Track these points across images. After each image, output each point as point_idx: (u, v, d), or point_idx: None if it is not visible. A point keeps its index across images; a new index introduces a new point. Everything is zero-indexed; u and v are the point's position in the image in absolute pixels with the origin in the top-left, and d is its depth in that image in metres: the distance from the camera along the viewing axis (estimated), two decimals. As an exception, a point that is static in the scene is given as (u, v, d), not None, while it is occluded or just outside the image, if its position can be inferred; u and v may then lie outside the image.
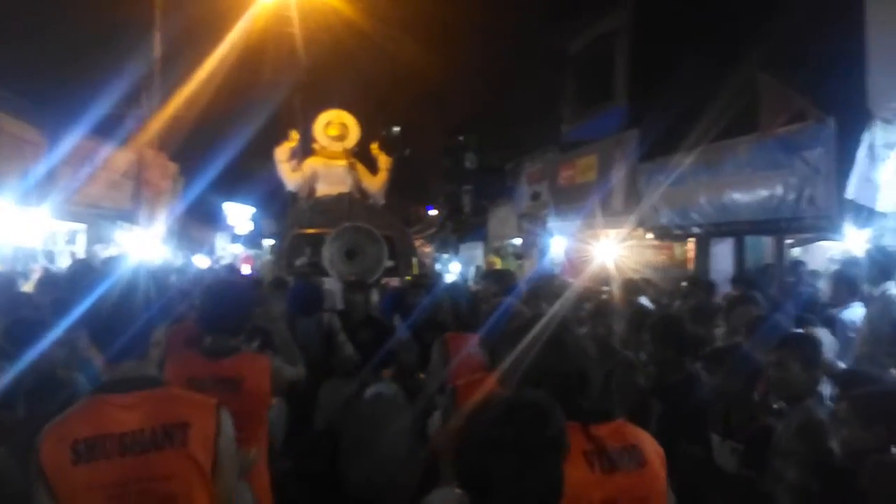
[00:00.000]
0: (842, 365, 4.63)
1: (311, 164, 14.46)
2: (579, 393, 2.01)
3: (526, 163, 17.03)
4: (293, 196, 15.15)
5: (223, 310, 3.12)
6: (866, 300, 5.70)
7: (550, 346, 2.10)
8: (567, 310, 5.25)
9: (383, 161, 15.05)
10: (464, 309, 5.16)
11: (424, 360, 4.70)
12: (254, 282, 6.60)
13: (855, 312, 5.45)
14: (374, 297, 8.06)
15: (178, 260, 14.69)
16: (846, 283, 5.83)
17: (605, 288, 8.57)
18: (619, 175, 11.51)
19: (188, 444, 2.03)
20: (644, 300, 7.13)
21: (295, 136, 14.83)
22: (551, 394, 1.75)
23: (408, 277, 11.52)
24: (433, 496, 1.98)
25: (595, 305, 5.66)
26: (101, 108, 12.97)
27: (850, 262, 7.17)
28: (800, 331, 4.03)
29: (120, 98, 14.50)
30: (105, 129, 13.08)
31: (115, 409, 2.03)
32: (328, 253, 10.61)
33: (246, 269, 15.76)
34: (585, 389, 2.04)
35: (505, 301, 3.57)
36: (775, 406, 3.44)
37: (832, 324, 5.59)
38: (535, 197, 16.18)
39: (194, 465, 2.03)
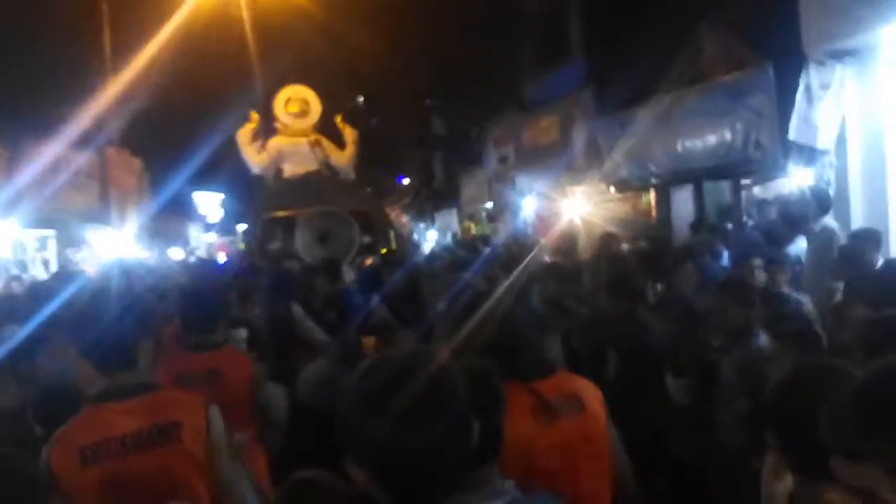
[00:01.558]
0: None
1: (275, 144, 14.02)
2: (520, 356, 2.23)
3: (491, 126, 17.20)
4: (260, 179, 14.81)
5: (197, 311, 3.33)
6: (809, 235, 6.07)
7: (499, 325, 2.24)
8: (524, 278, 5.52)
9: (349, 134, 14.61)
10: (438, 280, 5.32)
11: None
12: (228, 278, 6.67)
13: (799, 247, 5.79)
14: (350, 276, 8.21)
15: (152, 257, 14.73)
16: (788, 220, 6.16)
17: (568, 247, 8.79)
18: (579, 133, 11.76)
19: (182, 439, 2.26)
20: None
21: (255, 116, 14.30)
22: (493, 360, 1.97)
23: (383, 251, 11.71)
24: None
25: (549, 267, 5.91)
26: (57, 111, 12.90)
27: (792, 200, 7.53)
28: (736, 275, 4.30)
29: (75, 99, 14.29)
30: (64, 133, 13.02)
31: (114, 414, 2.24)
32: (300, 239, 10.72)
33: (222, 258, 15.85)
34: (526, 352, 2.26)
35: (461, 278, 3.76)
36: (716, 344, 3.74)
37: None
38: (503, 160, 16.39)
39: (190, 458, 2.26)
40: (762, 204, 9.46)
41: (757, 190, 10.66)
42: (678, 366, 3.87)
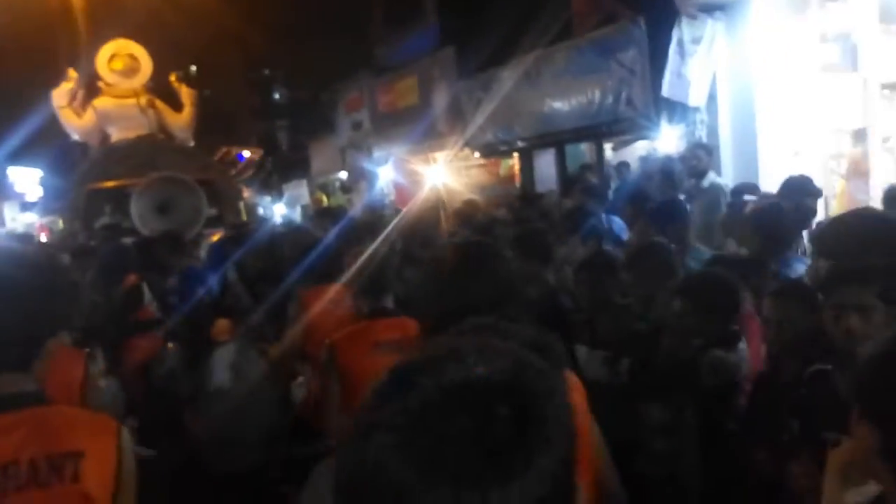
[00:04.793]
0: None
1: (99, 106, 12.11)
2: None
3: (342, 91, 16.40)
4: (82, 147, 12.93)
5: None
6: (688, 193, 6.00)
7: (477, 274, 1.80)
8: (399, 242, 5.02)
9: (186, 94, 12.85)
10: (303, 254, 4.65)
11: (269, 317, 4.26)
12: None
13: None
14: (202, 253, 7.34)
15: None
16: (669, 179, 6.04)
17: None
18: (440, 95, 11.31)
19: (80, 478, 1.57)
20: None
21: (73, 74, 12.29)
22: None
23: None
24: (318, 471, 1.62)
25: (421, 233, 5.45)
26: None
27: (669, 159, 7.51)
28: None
29: None
30: None
31: None
32: (136, 209, 9.42)
33: (43, 239, 14.07)
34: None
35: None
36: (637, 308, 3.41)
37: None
38: (357, 126, 15.69)
39: None
40: (620, 166, 9.50)
41: (610, 154, 10.75)
42: (594, 335, 3.51)
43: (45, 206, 23.77)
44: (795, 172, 5.80)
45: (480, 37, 9.49)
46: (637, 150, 9.90)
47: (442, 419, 0.72)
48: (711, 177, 5.49)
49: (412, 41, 12.88)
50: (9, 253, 1.78)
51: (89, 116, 12.17)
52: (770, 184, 5.71)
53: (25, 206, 24.34)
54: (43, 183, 25.04)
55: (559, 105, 8.41)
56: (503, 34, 8.89)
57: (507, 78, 9.11)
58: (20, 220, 22.42)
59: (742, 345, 2.91)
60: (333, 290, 3.74)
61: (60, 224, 13.41)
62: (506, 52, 9.00)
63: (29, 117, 13.85)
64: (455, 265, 1.83)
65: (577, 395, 1.76)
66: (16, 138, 15.96)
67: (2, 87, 16.12)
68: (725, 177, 6.46)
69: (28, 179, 25.68)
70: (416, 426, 0.72)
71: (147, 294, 4.65)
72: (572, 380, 1.79)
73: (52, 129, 13.19)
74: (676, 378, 2.97)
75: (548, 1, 8.10)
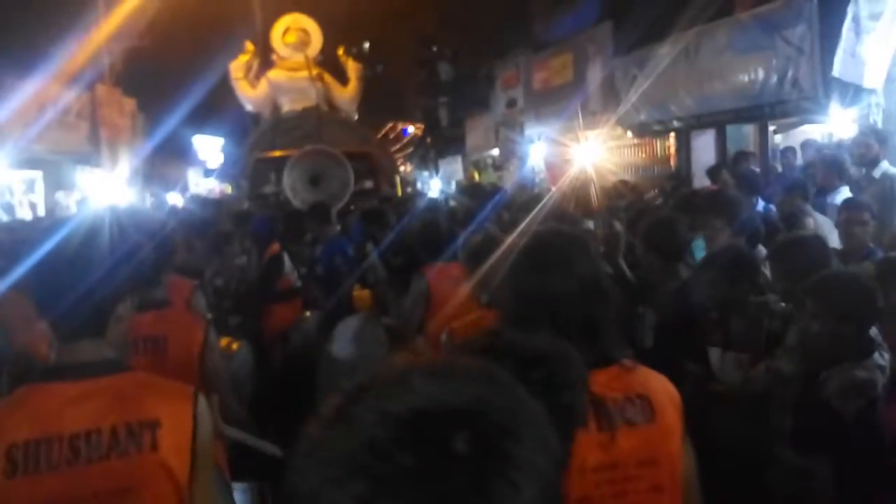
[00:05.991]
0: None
1: (272, 77, 12.49)
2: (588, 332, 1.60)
3: (499, 68, 16.40)
4: (255, 117, 13.49)
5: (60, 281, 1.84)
6: (853, 184, 5.47)
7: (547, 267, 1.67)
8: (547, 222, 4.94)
9: (353, 68, 13.09)
10: (437, 230, 4.68)
11: (394, 289, 4.37)
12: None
13: (847, 195, 5.19)
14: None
15: (146, 201, 14.17)
16: (835, 167, 5.55)
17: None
18: (594, 73, 11.04)
19: (158, 447, 1.59)
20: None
21: (250, 47, 12.83)
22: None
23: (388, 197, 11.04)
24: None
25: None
26: (46, 46, 12.20)
27: (836, 146, 6.89)
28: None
29: (64, 33, 13.48)
30: (52, 69, 12.32)
31: (61, 402, 1.59)
32: (289, 180, 9.72)
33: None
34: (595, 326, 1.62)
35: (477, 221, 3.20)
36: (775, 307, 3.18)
37: (823, 210, 5.34)
38: (511, 103, 15.66)
39: (166, 474, 1.60)
40: (786, 151, 8.83)
41: (779, 138, 10.01)
42: (726, 335, 3.31)
43: (223, 173, 25.74)
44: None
45: (638, 12, 9.14)
46: (807, 135, 9.17)
47: (383, 457, 0.60)
48: (884, 166, 4.98)
49: (571, 17, 12.62)
50: (68, 222, 1.78)
51: (262, 88, 12.74)
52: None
53: (208, 173, 26.44)
54: (223, 150, 27.09)
55: (718, 84, 7.95)
56: (662, 9, 8.51)
57: (665, 55, 8.72)
58: (202, 185, 24.45)
59: (879, 356, 2.65)
60: (456, 268, 3.79)
61: (229, 190, 14.34)
62: (664, 27, 8.61)
63: (210, 87, 14.87)
64: (531, 254, 1.75)
65: (673, 411, 1.65)
66: (199, 107, 17.20)
67: (186, 58, 17.52)
68: (903, 167, 5.85)
69: (210, 147, 27.82)
70: (353, 464, 0.61)
71: (288, 264, 4.90)
72: (672, 396, 1.68)
73: (232, 98, 14.03)
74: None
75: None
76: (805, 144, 7.99)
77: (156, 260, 2.52)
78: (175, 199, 18.28)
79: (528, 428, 0.65)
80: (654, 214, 4.55)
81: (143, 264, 2.09)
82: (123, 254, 1.76)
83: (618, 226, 4.26)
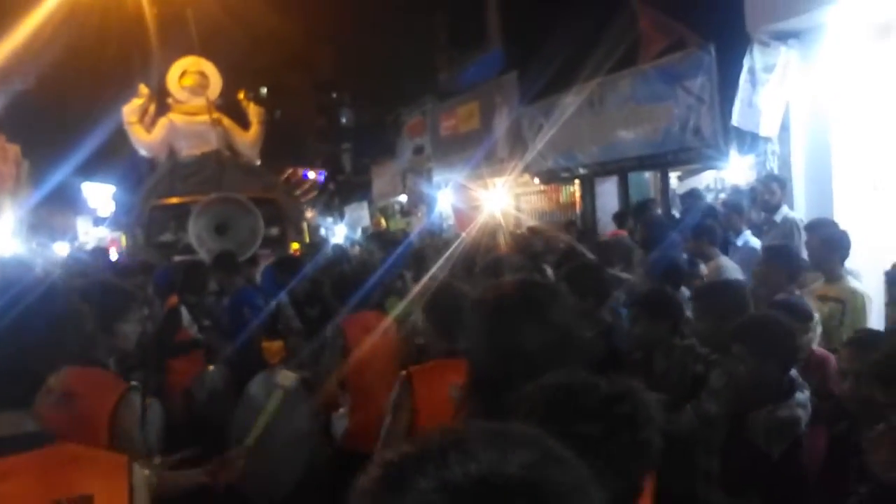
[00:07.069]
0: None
1: (168, 121, 11.98)
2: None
3: (405, 115, 16.51)
4: (150, 162, 12.75)
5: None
6: (753, 227, 5.71)
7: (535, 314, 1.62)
8: (457, 269, 4.88)
9: (254, 112, 12.60)
10: (349, 279, 4.57)
11: (308, 337, 4.18)
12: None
13: (750, 238, 5.41)
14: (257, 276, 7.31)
15: (32, 252, 13.21)
16: (737, 211, 5.78)
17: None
18: (501, 121, 11.23)
19: None
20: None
21: (144, 90, 12.16)
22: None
23: (295, 245, 10.71)
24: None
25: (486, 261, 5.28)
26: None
27: (736, 191, 7.20)
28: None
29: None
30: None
31: None
32: (195, 229, 9.37)
33: (113, 254, 14.44)
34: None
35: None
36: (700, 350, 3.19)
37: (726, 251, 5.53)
38: (418, 150, 15.75)
39: None
40: (687, 196, 9.18)
41: (675, 183, 10.43)
42: (650, 377, 3.30)
43: (115, 221, 24.50)
44: (874, 207, 5.49)
45: (543, 62, 9.38)
46: (704, 181, 9.59)
47: None
48: (784, 211, 5.21)
49: (476, 66, 12.89)
50: (6, 283, 1.67)
51: (158, 132, 12.09)
52: (846, 219, 5.38)
53: (98, 221, 25.17)
54: (114, 198, 25.86)
55: (622, 132, 8.20)
56: (566, 60, 8.75)
57: (570, 104, 8.96)
58: (92, 235, 23.20)
59: (800, 394, 2.69)
60: (370, 317, 3.63)
61: (123, 240, 13.57)
62: (569, 77, 8.86)
63: (101, 133, 14.08)
64: (505, 305, 1.67)
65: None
66: (89, 154, 16.36)
67: (76, 103, 16.75)
68: (798, 211, 6.14)
69: (101, 194, 26.57)
70: None
71: (186, 316, 4.62)
72: None
73: (125, 144, 13.28)
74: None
75: (612, 27, 7.92)
76: (687, 194, 8.29)
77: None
78: (61, 248, 17.24)
79: (578, 495, 0.67)
80: (578, 260, 4.58)
81: (84, 330, 1.84)
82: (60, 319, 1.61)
83: (549, 271, 4.22)
